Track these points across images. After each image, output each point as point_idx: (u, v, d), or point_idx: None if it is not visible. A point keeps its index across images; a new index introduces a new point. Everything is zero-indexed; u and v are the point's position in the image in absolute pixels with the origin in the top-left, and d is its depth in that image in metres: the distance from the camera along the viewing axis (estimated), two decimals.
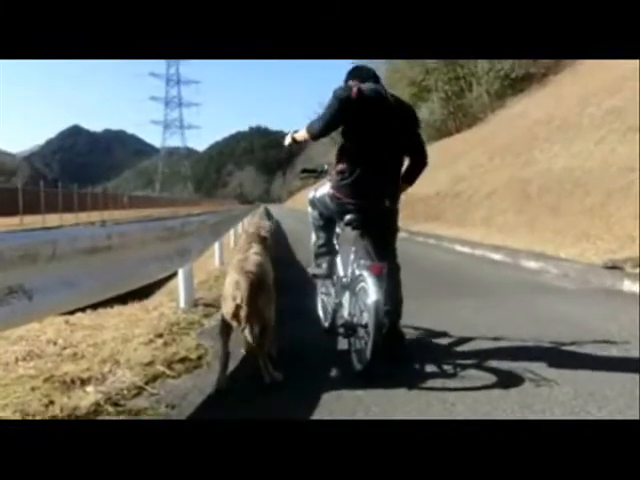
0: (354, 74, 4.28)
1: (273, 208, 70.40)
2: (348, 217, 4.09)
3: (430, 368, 3.98)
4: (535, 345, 4.54)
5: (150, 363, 4.06)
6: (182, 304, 6.13)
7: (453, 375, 3.82)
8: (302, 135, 4.27)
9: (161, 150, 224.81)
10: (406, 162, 4.31)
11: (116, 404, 3.32)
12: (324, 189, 4.36)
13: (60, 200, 34.91)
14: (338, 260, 4.60)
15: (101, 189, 68.00)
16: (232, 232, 14.89)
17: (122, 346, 4.51)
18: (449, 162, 24.37)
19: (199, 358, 4.26)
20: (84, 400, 3.31)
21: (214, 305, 5.97)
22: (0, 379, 3.76)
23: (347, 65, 4.37)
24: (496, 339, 4.71)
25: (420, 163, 4.34)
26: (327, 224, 4.52)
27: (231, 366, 3.75)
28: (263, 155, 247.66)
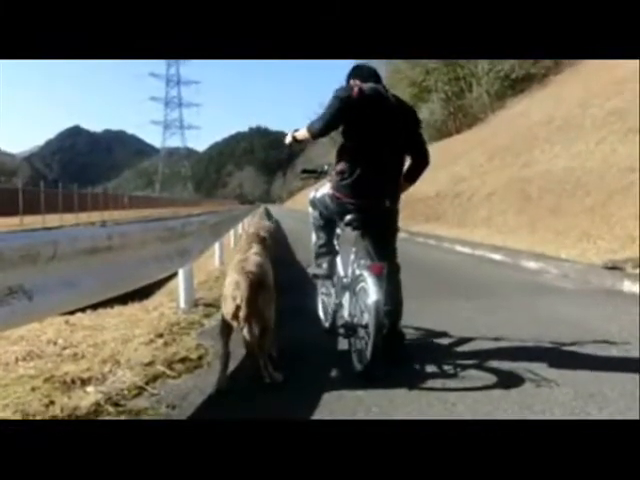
0: (356, 73, 4.28)
1: (273, 208, 70.46)
2: (348, 217, 4.09)
3: (430, 368, 3.97)
4: (535, 345, 4.54)
5: (150, 363, 4.06)
6: (182, 304, 6.12)
7: (453, 375, 3.81)
8: (303, 134, 4.26)
9: (161, 150, 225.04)
10: (407, 162, 4.31)
11: (116, 404, 3.32)
12: (324, 189, 4.36)
13: (60, 200, 34.91)
14: (338, 260, 4.60)
15: (101, 189, 67.96)
16: (232, 232, 14.89)
17: (122, 346, 4.51)
18: (449, 162, 24.38)
19: (199, 358, 4.26)
20: (84, 400, 3.31)
21: (214, 305, 5.97)
22: (0, 379, 3.76)
23: (347, 65, 4.38)
24: (496, 339, 4.71)
25: (422, 162, 4.34)
26: (327, 224, 4.52)
27: (231, 366, 3.75)
28: (263, 155, 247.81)
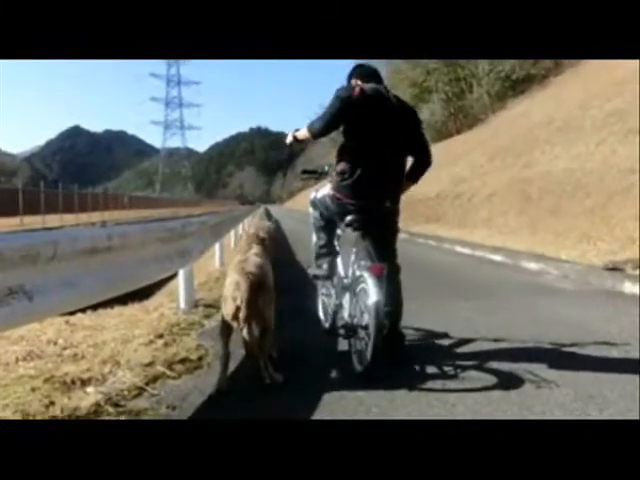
0: (357, 72, 4.29)
1: (273, 209, 70.50)
2: (349, 218, 4.09)
3: (431, 369, 3.97)
4: (535, 346, 4.54)
5: (150, 364, 4.06)
6: (182, 305, 6.12)
7: (454, 376, 3.81)
8: (303, 134, 4.26)
9: (161, 151, 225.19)
10: (409, 162, 4.31)
11: (116, 405, 3.32)
12: (325, 190, 4.36)
13: (60, 200, 34.91)
14: (339, 261, 4.60)
15: (101, 189, 67.97)
16: (232, 233, 14.89)
17: (122, 347, 4.51)
18: (449, 163, 24.38)
19: (199, 359, 4.26)
20: (84, 401, 3.31)
21: (214, 306, 5.96)
22: (0, 379, 3.76)
23: (347, 65, 4.38)
24: (496, 340, 4.71)
25: (424, 162, 4.34)
26: (328, 225, 4.52)
27: (231, 367, 3.75)
28: (263, 156, 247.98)
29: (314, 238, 4.76)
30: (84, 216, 36.00)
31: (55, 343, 4.72)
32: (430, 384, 3.65)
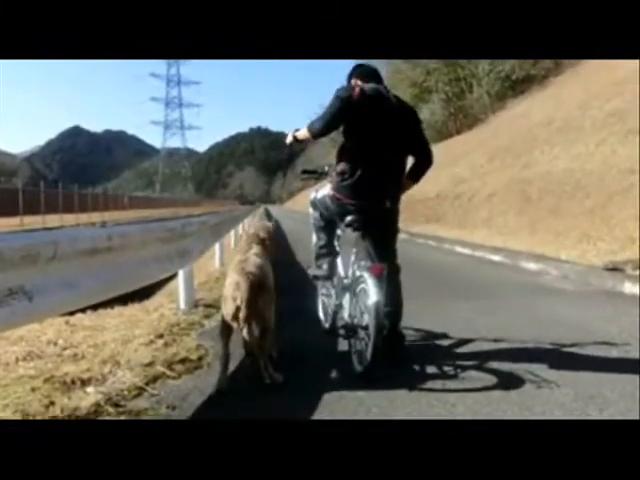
0: (357, 72, 4.29)
1: (273, 209, 70.53)
2: (349, 218, 4.09)
3: (431, 369, 3.97)
4: (535, 347, 4.54)
5: (150, 364, 4.06)
6: (182, 305, 6.12)
7: (454, 376, 3.81)
8: (303, 134, 4.26)
9: (161, 151, 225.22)
10: (410, 162, 4.31)
11: (116, 405, 3.32)
12: (325, 190, 4.36)
13: (60, 201, 34.91)
14: (339, 261, 4.60)
15: (101, 190, 67.95)
16: (232, 233, 14.89)
17: (122, 347, 4.51)
18: (449, 163, 24.38)
19: (199, 359, 4.26)
20: (84, 401, 3.31)
21: (214, 306, 5.96)
22: (0, 379, 3.76)
23: (347, 65, 4.38)
24: (496, 340, 4.70)
25: (425, 162, 4.34)
26: (328, 225, 4.52)
27: (231, 367, 3.75)
28: (263, 156, 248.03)
29: (314, 238, 4.75)
30: (84, 216, 36.00)
31: (55, 343, 4.72)
32: (430, 384, 3.65)
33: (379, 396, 3.41)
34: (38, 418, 3.06)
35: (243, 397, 3.46)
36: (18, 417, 3.06)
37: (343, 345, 4.26)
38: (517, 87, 34.24)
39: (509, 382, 3.64)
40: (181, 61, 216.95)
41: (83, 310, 5.63)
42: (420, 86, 40.24)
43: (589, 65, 25.53)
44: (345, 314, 4.22)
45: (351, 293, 4.13)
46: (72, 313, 5.31)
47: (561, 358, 4.23)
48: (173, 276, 6.90)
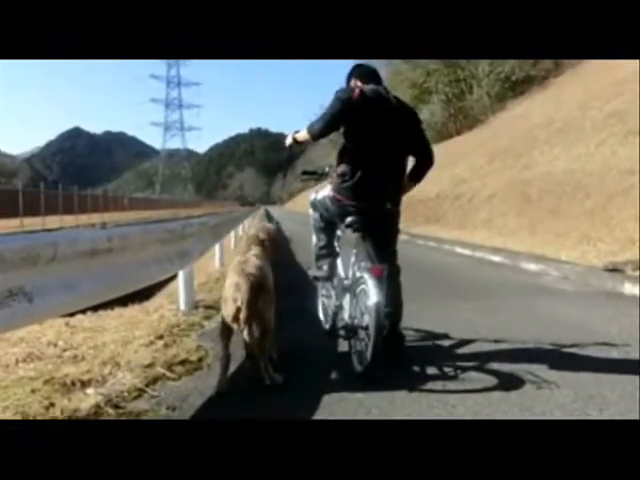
0: (356, 72, 4.29)
1: (273, 210, 70.47)
2: (349, 219, 4.08)
3: (431, 370, 3.97)
4: (535, 347, 4.53)
5: (150, 365, 4.06)
6: (182, 306, 6.12)
7: (454, 377, 3.81)
8: (303, 135, 4.26)
9: (161, 152, 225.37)
10: (411, 162, 4.31)
11: (116, 406, 3.31)
12: (325, 191, 4.35)
13: (60, 202, 34.92)
14: (339, 262, 4.60)
15: (101, 191, 67.99)
16: (232, 234, 14.89)
17: (122, 348, 4.51)
18: (449, 164, 24.38)
19: (199, 360, 4.25)
20: (84, 402, 3.31)
21: (214, 307, 5.96)
22: (0, 381, 3.75)
23: (347, 65, 4.38)
24: (496, 341, 4.70)
25: (426, 162, 4.33)
26: (328, 226, 4.52)
27: (232, 368, 3.74)
28: (263, 157, 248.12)
29: (314, 239, 4.75)
30: (84, 217, 36.02)
31: (55, 345, 4.71)
32: (430, 385, 3.65)
33: (379, 397, 3.41)
34: (38, 418, 3.06)
35: (243, 398, 3.46)
36: (18, 418, 3.06)
37: (343, 346, 4.26)
38: (517, 88, 34.27)
39: (509, 383, 3.64)
40: (181, 62, 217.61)
41: (83, 311, 5.63)
42: (420, 87, 40.27)
43: (589, 65, 25.55)
44: (345, 315, 4.22)
45: (351, 294, 4.13)
46: (72, 314, 5.31)
47: (561, 359, 4.23)
48: (173, 277, 6.90)
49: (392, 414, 3.14)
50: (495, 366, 4.00)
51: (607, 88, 18.52)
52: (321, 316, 5.09)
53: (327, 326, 4.85)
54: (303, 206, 32.45)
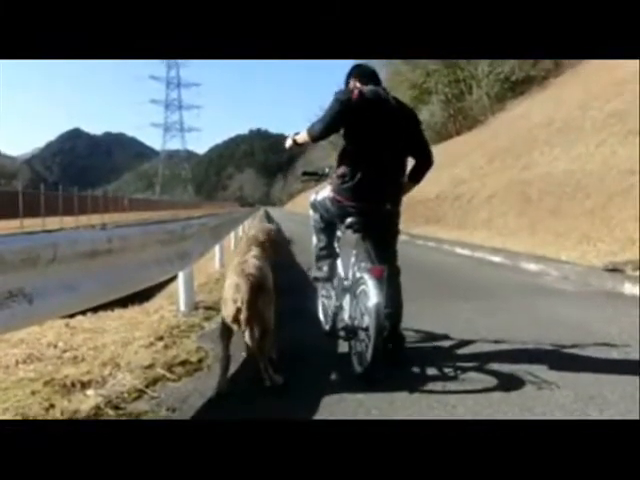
0: (355, 72, 4.29)
1: (273, 211, 70.42)
2: (349, 220, 4.08)
3: (431, 371, 3.97)
4: (536, 348, 4.53)
5: (150, 366, 4.06)
6: (182, 307, 6.12)
7: (454, 378, 3.80)
8: (303, 137, 4.25)
9: (161, 153, 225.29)
10: (410, 163, 4.30)
11: (116, 407, 3.31)
12: (325, 192, 4.35)
13: (60, 203, 34.93)
14: (339, 263, 4.60)
15: (101, 192, 68.00)
16: (232, 235, 14.88)
17: (122, 349, 4.51)
18: (449, 165, 24.38)
19: (199, 361, 4.25)
20: (84, 403, 3.30)
21: (214, 308, 5.96)
22: (0, 382, 3.75)
23: (347, 65, 4.38)
24: (497, 342, 4.70)
25: (425, 163, 4.33)
26: (328, 227, 4.51)
27: (232, 369, 3.74)
28: (263, 158, 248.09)
29: (314, 240, 4.75)
30: (84, 218, 36.03)
31: (55, 346, 4.71)
32: (430, 386, 3.64)
33: (379, 398, 3.40)
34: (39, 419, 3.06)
35: (243, 399, 3.45)
36: (18, 419, 3.05)
37: (343, 346, 4.26)
38: (517, 88, 34.28)
39: (509, 383, 3.64)
40: (181, 63, 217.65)
41: (83, 312, 5.62)
42: (420, 88, 40.29)
43: (589, 65, 25.56)
44: (345, 316, 4.22)
45: (351, 295, 4.13)
46: (72, 315, 5.31)
47: (561, 359, 4.23)
48: (173, 278, 6.90)
49: (392, 415, 3.14)
50: (495, 367, 4.00)
51: (607, 88, 18.52)
52: (321, 317, 5.09)
53: (327, 327, 4.84)
54: (303, 207, 32.49)
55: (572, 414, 3.11)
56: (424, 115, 34.28)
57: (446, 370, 3.96)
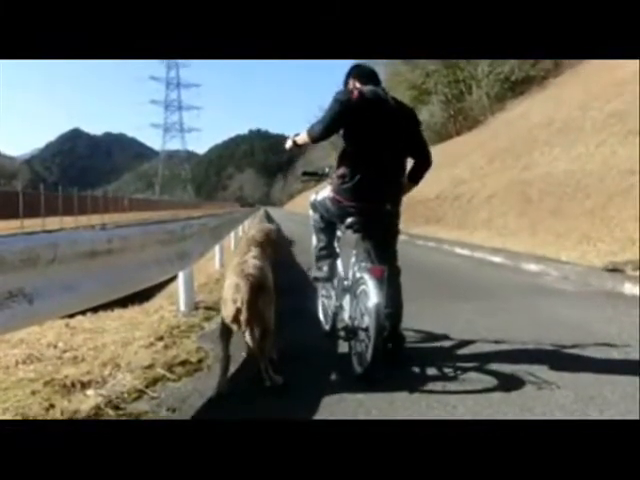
0: (354, 72, 4.28)
1: (273, 211, 70.41)
2: (349, 220, 4.08)
3: (431, 371, 3.96)
4: (536, 348, 4.53)
5: (150, 366, 4.06)
6: (182, 307, 6.12)
7: (454, 378, 3.80)
8: (303, 138, 4.24)
9: (161, 153, 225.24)
10: (410, 163, 4.30)
11: (116, 407, 3.31)
12: (325, 192, 4.35)
13: (60, 203, 34.97)
14: (339, 263, 4.59)
15: (101, 192, 68.03)
16: (232, 235, 14.88)
17: (122, 349, 4.51)
18: (449, 165, 24.39)
19: (199, 361, 4.25)
20: (84, 404, 3.30)
21: (214, 308, 5.95)
22: (0, 382, 3.75)
23: (347, 65, 4.38)
24: (497, 342, 4.70)
25: (424, 163, 4.33)
26: (328, 227, 4.51)
27: (232, 369, 3.74)
28: (263, 158, 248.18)
29: (314, 240, 4.75)
30: (84, 219, 36.05)
31: (55, 346, 4.71)
32: (430, 386, 3.64)
33: (379, 398, 3.40)
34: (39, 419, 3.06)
35: (243, 399, 3.45)
36: (18, 419, 3.05)
37: (343, 347, 4.25)
38: (516, 88, 34.32)
39: (509, 383, 3.63)
40: (181, 63, 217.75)
41: (83, 312, 5.62)
42: (419, 88, 40.33)
43: (589, 65, 25.57)
44: (345, 316, 4.21)
45: (351, 295, 4.12)
46: (72, 316, 5.31)
47: (561, 359, 4.23)
48: (173, 278, 6.89)
49: (392, 415, 3.13)
50: (495, 367, 4.00)
51: (607, 88, 18.53)
52: (321, 317, 5.09)
53: (327, 327, 4.84)
54: (303, 207, 32.47)
55: (572, 414, 3.11)
56: (424, 115, 34.29)
57: (446, 370, 3.96)
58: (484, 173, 20.87)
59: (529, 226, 13.26)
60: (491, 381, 3.70)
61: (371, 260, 4.15)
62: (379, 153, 4.00)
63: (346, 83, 4.31)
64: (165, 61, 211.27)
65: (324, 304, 5.04)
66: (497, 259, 10.89)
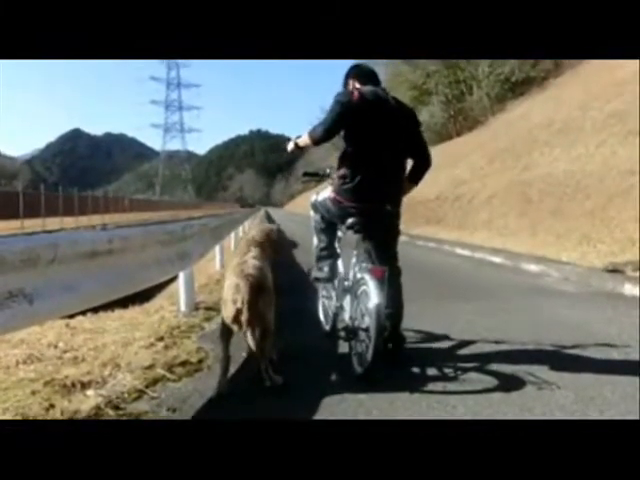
0: (354, 72, 4.28)
1: (274, 211, 70.42)
2: (350, 221, 4.07)
3: (431, 371, 3.96)
4: (536, 348, 4.53)
5: (151, 366, 4.05)
6: (183, 307, 6.12)
7: (454, 378, 3.80)
8: (304, 141, 4.24)
9: (161, 153, 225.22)
10: (409, 163, 4.30)
11: (117, 407, 3.31)
12: (326, 193, 4.35)
13: (61, 203, 34.97)
14: (339, 263, 4.59)
15: (102, 192, 68.04)
16: (233, 235, 14.88)
17: (123, 349, 4.51)
18: (449, 165, 24.39)
19: (200, 361, 4.25)
20: (85, 404, 3.30)
21: (215, 308, 5.95)
22: (0, 382, 3.75)
23: (347, 65, 4.37)
24: (497, 342, 4.70)
25: (424, 164, 4.33)
26: (329, 228, 4.51)
27: (232, 369, 3.74)
28: (263, 158, 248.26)
29: (315, 241, 4.74)
30: (84, 219, 36.06)
31: (55, 346, 4.71)
32: (431, 386, 3.64)
33: (379, 398, 3.40)
34: (39, 419, 3.06)
35: (243, 399, 3.45)
36: (18, 419, 3.05)
37: (343, 347, 4.25)
38: (517, 89, 34.33)
39: (510, 384, 3.63)
40: (181, 64, 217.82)
41: (83, 313, 5.62)
42: (420, 88, 40.33)
43: (589, 66, 25.58)
44: (346, 316, 4.21)
45: (352, 295, 4.12)
46: (72, 316, 5.31)
47: (561, 360, 4.23)
48: (174, 278, 6.89)
49: (392, 415, 3.13)
50: (495, 367, 4.00)
51: (607, 88, 18.53)
52: (321, 317, 5.09)
53: (327, 327, 4.84)
54: (303, 207, 32.47)
55: (572, 414, 3.11)
56: (424, 116, 34.33)
57: (446, 370, 3.96)
58: (484, 174, 20.87)
59: (529, 226, 13.26)
60: (491, 381, 3.70)
61: (372, 261, 4.14)
62: (379, 153, 4.00)
63: (346, 83, 4.31)
64: (165, 61, 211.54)
65: (324, 304, 5.04)
66: (497, 259, 10.90)
